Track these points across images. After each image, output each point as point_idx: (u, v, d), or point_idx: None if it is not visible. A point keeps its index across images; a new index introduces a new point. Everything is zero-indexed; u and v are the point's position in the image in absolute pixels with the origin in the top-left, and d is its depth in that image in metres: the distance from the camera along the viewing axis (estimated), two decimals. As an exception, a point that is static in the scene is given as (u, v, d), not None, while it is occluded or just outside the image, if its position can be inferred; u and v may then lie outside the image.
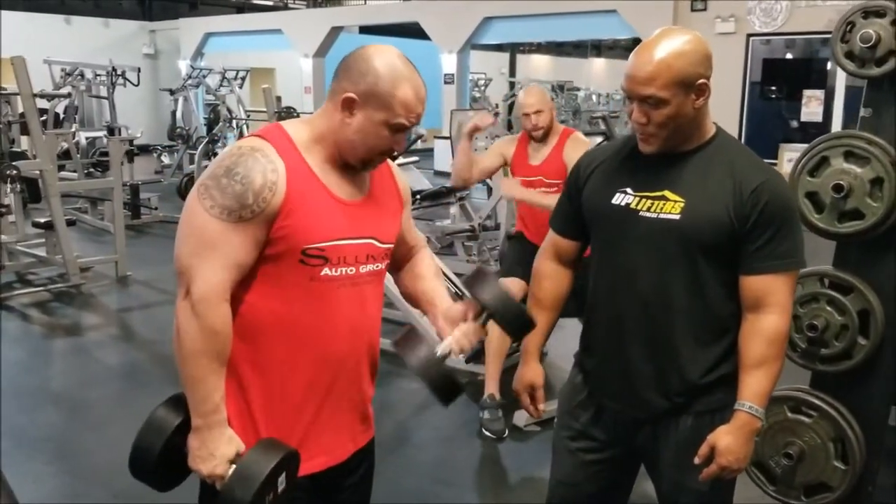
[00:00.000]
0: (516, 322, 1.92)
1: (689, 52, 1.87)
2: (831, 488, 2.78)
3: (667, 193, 1.96)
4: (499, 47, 22.00)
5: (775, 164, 10.10)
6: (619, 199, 2.02)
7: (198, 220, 1.65)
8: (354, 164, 1.77)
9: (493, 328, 4.27)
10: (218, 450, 1.67)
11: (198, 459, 1.69)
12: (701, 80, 1.88)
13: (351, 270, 1.76)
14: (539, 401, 2.25)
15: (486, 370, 4.37)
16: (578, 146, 4.22)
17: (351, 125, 1.71)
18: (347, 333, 1.79)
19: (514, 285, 4.20)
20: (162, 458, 1.71)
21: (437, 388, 1.81)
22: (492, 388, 4.26)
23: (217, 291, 1.64)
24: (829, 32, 2.81)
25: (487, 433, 4.17)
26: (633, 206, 2.00)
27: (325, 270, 1.72)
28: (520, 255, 4.32)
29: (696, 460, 1.96)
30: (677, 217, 1.94)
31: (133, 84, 13.83)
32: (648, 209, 1.97)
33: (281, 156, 1.68)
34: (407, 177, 6.24)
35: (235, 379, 1.73)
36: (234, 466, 1.67)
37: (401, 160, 7.60)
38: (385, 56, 1.71)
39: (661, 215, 1.95)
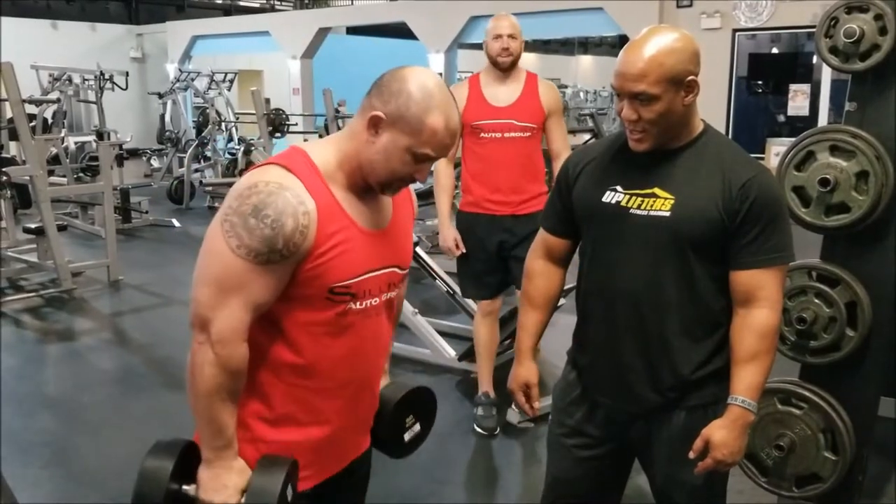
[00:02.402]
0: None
1: (679, 50, 1.89)
2: (822, 479, 2.80)
3: (657, 191, 1.99)
4: (486, 46, 21.99)
5: (762, 159, 10.14)
6: (609, 196, 2.04)
7: (222, 257, 1.59)
8: (374, 187, 1.71)
9: (479, 330, 4.27)
10: (230, 481, 1.66)
11: (210, 491, 1.66)
12: (690, 78, 1.91)
13: (375, 301, 1.75)
14: (534, 399, 2.27)
15: (478, 370, 4.36)
16: (552, 91, 4.05)
17: (375, 144, 1.64)
18: (366, 361, 1.81)
19: (486, 309, 4.19)
20: None
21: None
22: (486, 385, 4.26)
23: (237, 332, 1.60)
24: (814, 27, 2.83)
25: (479, 430, 4.18)
26: (623, 203, 2.02)
27: (351, 305, 1.70)
28: (472, 258, 4.12)
29: (691, 454, 1.98)
30: (667, 214, 1.96)
31: (121, 88, 13.79)
32: (639, 206, 2.00)
33: (310, 192, 1.62)
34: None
35: (252, 400, 1.73)
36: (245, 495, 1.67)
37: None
38: (421, 79, 1.64)
39: (652, 212, 1.98)
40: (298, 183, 1.61)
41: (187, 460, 1.70)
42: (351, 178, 1.69)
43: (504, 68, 3.91)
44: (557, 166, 3.81)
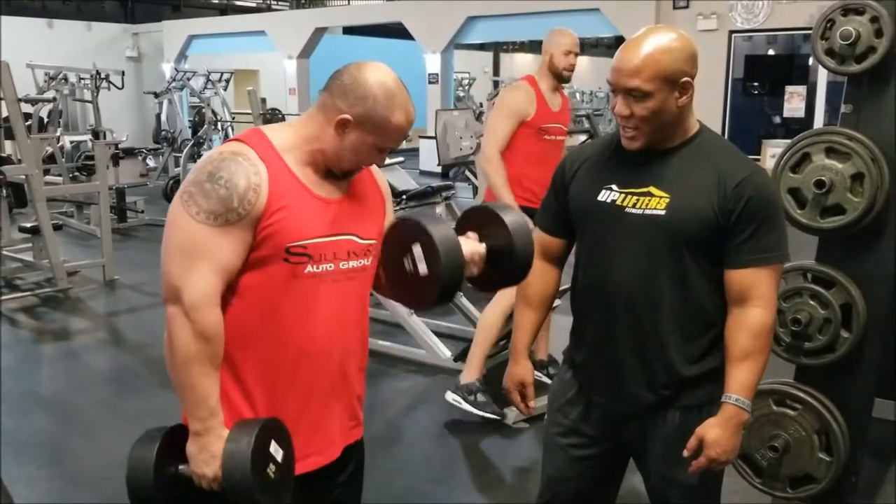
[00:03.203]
0: (525, 250, 1.93)
1: (675, 49, 1.90)
2: (816, 480, 2.81)
3: (652, 189, 1.99)
4: (482, 47, 22.01)
5: (758, 160, 10.15)
6: (605, 195, 2.05)
7: (184, 227, 1.67)
8: (336, 172, 1.81)
9: (493, 312, 4.23)
10: (219, 451, 1.69)
11: (201, 464, 1.70)
12: (685, 79, 1.92)
13: (331, 267, 1.78)
14: (529, 398, 2.28)
15: (472, 353, 4.34)
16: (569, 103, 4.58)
17: (342, 143, 1.74)
18: (330, 330, 1.81)
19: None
20: (157, 488, 1.70)
21: (450, 267, 1.81)
22: (478, 371, 4.28)
23: (208, 296, 1.66)
24: (810, 28, 2.84)
25: (489, 416, 4.19)
26: (619, 202, 2.02)
27: (309, 268, 1.74)
28: None
29: (685, 453, 1.99)
30: (663, 212, 1.97)
31: (117, 87, 13.78)
32: (634, 205, 2.00)
33: (262, 159, 1.72)
34: (393, 177, 6.27)
35: (222, 381, 1.75)
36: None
37: (387, 160, 7.59)
38: (382, 80, 1.74)
39: (647, 211, 1.98)
40: (251, 150, 1.73)
41: (177, 443, 1.73)
42: (309, 157, 1.79)
43: (566, 80, 4.32)
44: None
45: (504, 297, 4.23)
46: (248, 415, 1.77)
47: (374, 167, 1.99)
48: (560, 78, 4.28)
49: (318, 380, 1.83)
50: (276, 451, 1.70)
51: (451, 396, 4.29)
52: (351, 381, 1.91)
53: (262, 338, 1.76)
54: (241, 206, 1.66)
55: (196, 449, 1.71)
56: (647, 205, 1.99)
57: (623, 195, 2.02)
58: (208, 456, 1.69)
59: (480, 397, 4.24)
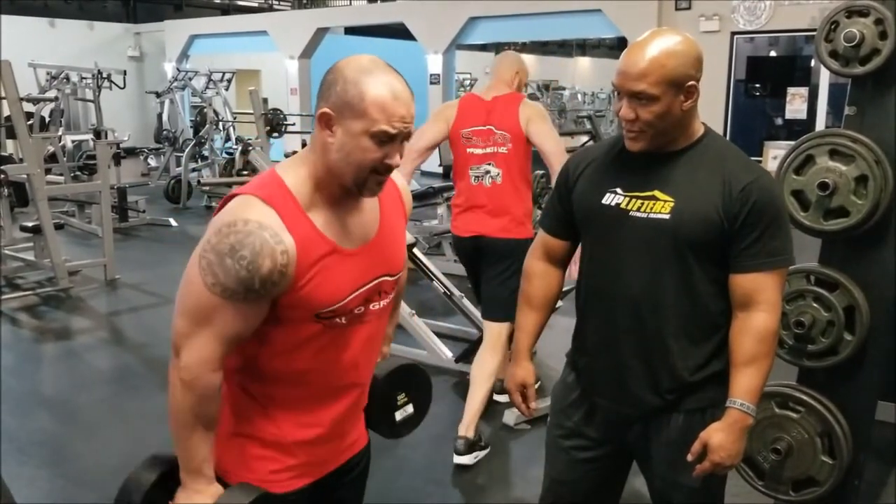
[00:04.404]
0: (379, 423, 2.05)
1: (681, 53, 1.89)
2: (819, 482, 2.80)
3: (657, 193, 1.99)
4: (484, 47, 21.98)
5: (760, 162, 10.15)
6: (609, 199, 2.04)
7: (197, 291, 1.58)
8: (351, 189, 1.64)
9: (483, 356, 4.09)
10: None
11: None
12: (690, 83, 1.91)
13: (360, 310, 1.73)
14: (530, 399, 2.27)
15: (471, 410, 3.93)
16: None
17: (334, 144, 1.59)
18: (355, 368, 1.80)
19: None
20: None
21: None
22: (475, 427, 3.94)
23: (204, 363, 1.60)
24: (813, 30, 2.84)
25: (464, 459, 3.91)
26: (623, 206, 2.02)
27: (337, 320, 1.69)
28: None
29: (689, 457, 1.99)
30: (667, 216, 1.96)
31: (119, 87, 13.78)
32: (639, 209, 2.00)
33: (288, 227, 1.57)
34: (393, 177, 6.26)
35: (235, 404, 1.74)
36: None
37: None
38: (354, 62, 1.60)
39: (652, 215, 1.98)
40: (276, 218, 1.57)
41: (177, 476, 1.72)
42: (328, 192, 1.65)
43: None
44: None
45: (489, 360, 3.99)
46: (268, 435, 1.75)
47: (402, 186, 1.92)
48: None
49: (336, 410, 1.81)
50: None
51: (468, 459, 3.87)
52: (362, 400, 1.91)
53: (285, 379, 1.72)
54: (262, 287, 1.56)
55: (184, 498, 1.69)
56: (651, 209, 1.98)
57: (627, 199, 2.02)
58: None
59: (480, 452, 3.96)
